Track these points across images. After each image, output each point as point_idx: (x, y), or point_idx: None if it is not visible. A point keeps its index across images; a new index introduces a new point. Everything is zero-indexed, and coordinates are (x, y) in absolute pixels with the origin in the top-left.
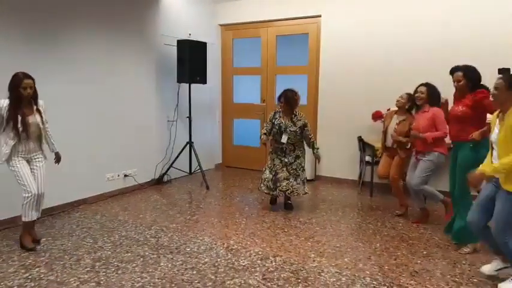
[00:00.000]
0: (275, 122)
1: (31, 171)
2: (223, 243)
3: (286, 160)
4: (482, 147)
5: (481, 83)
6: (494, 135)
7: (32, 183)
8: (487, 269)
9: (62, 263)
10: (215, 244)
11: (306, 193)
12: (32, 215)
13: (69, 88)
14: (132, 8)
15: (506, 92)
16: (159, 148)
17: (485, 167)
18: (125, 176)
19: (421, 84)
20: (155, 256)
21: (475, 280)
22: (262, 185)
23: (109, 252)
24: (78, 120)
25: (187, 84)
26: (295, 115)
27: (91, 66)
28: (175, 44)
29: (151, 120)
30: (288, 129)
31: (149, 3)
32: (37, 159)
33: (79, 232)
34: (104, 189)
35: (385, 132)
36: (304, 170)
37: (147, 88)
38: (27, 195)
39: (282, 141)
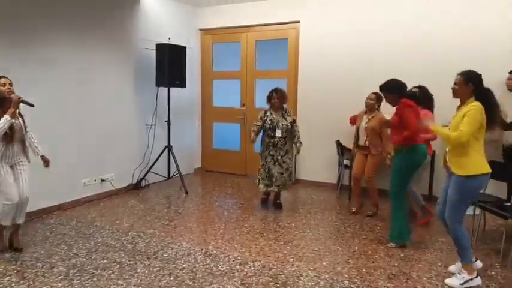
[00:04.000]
0: (267, 119)
1: (14, 177)
2: (202, 249)
3: (277, 155)
4: (417, 153)
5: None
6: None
7: (14, 191)
8: (452, 282)
9: (34, 271)
10: (193, 249)
11: (291, 184)
12: (7, 220)
13: (46, 92)
14: (112, 12)
15: (464, 87)
16: (137, 152)
17: (438, 127)
18: (102, 180)
19: (413, 87)
20: (132, 262)
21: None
22: (260, 185)
23: (84, 259)
24: (54, 124)
25: (167, 88)
26: (286, 111)
27: (68, 70)
28: (155, 48)
29: (130, 124)
30: (280, 124)
31: (128, 7)
32: (20, 163)
33: (53, 239)
34: (80, 195)
35: (357, 132)
36: (291, 163)
37: (126, 92)
38: (7, 202)
39: (276, 135)
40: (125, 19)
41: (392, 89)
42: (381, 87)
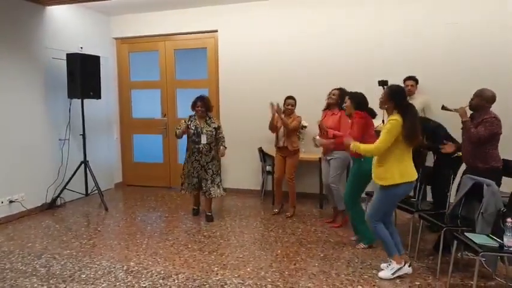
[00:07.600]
0: (191, 124)
1: None
2: (123, 266)
3: (203, 161)
4: (368, 163)
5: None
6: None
7: None
8: (383, 274)
9: None
10: (114, 267)
11: (222, 195)
12: None
13: None
14: (13, 18)
15: (388, 102)
16: (50, 169)
17: (356, 145)
18: (11, 201)
19: (335, 88)
20: None
21: (365, 276)
22: (189, 188)
23: None
24: None
25: (80, 100)
26: (210, 118)
27: None
28: (65, 58)
29: (40, 139)
30: (204, 130)
31: (32, 14)
32: None
33: None
34: None
35: (276, 134)
36: (219, 174)
37: (34, 105)
38: None
39: (202, 141)
40: (28, 27)
41: (354, 98)
42: (349, 94)
